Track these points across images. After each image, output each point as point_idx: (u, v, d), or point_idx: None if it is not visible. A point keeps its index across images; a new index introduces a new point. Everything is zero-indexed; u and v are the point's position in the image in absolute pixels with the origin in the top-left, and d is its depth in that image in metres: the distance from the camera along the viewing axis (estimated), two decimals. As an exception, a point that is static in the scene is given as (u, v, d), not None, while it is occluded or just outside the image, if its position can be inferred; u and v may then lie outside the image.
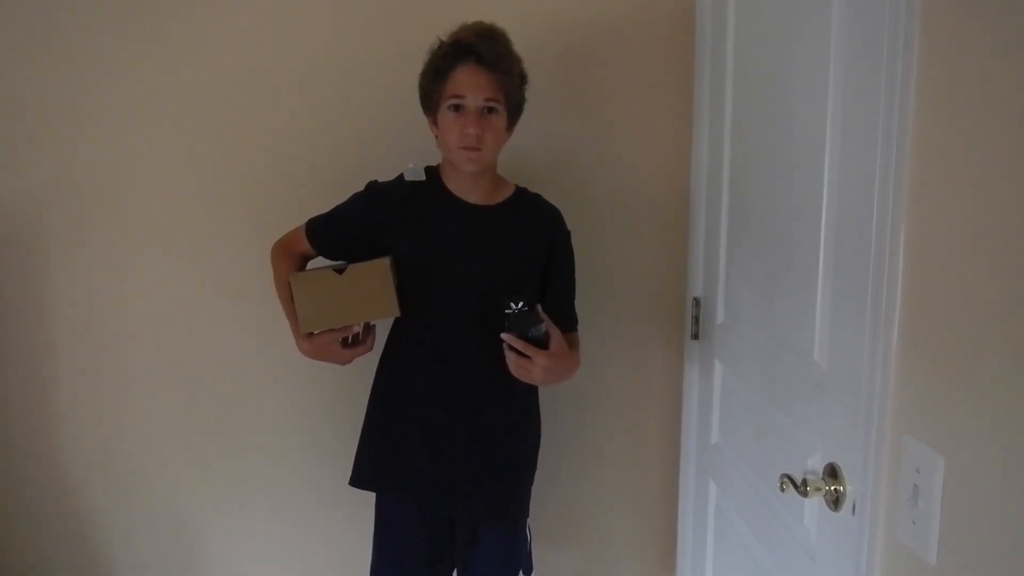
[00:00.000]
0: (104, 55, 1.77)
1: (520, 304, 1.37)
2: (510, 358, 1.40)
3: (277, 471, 1.94)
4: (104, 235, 1.83)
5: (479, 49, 1.39)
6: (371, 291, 1.42)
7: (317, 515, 1.95)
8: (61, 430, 1.90)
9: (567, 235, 1.60)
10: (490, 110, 1.42)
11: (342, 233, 1.54)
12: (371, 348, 1.54)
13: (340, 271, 1.43)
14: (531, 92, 1.53)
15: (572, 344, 1.61)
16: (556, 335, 1.43)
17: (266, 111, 1.80)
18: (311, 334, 1.47)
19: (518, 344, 1.39)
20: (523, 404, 1.59)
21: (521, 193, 1.58)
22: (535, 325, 1.39)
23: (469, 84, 1.40)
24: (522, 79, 1.49)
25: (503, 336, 1.39)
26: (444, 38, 1.44)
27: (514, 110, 1.49)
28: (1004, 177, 0.76)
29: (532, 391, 1.61)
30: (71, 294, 1.85)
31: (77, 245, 1.84)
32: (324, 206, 1.57)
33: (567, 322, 1.62)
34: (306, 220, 1.57)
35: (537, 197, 1.59)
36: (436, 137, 1.50)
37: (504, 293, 1.38)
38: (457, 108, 1.41)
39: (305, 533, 1.97)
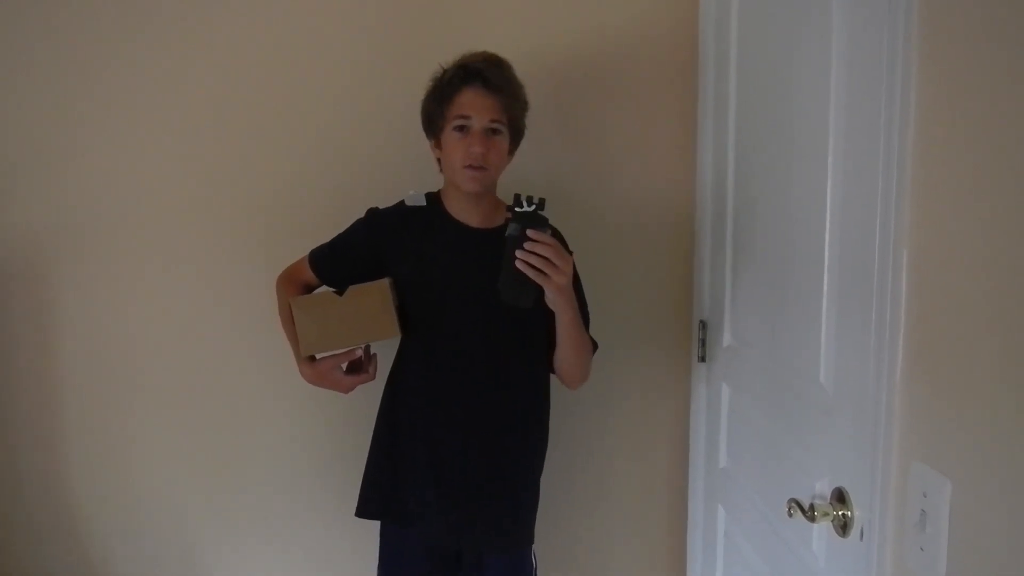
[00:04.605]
0: (107, 81, 1.79)
1: (531, 205, 1.29)
2: (520, 257, 1.29)
3: (283, 501, 1.93)
4: (110, 265, 1.85)
5: (487, 74, 1.43)
6: (371, 312, 1.43)
7: (322, 545, 1.94)
8: (69, 456, 1.90)
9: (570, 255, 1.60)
10: (494, 131, 1.44)
11: (344, 260, 1.55)
12: (373, 377, 1.54)
13: (341, 295, 1.44)
14: (535, 116, 1.55)
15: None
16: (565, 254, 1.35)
17: (273, 135, 1.82)
18: (313, 359, 1.48)
19: (541, 240, 1.28)
20: (529, 427, 1.58)
21: None
22: (543, 228, 1.30)
23: (475, 105, 1.43)
24: (525, 105, 1.51)
25: (507, 234, 1.30)
26: (447, 66, 1.47)
27: (516, 135, 1.51)
28: (1008, 199, 0.76)
29: (542, 414, 1.60)
30: (78, 325, 1.87)
31: (83, 276, 1.85)
32: (331, 228, 1.58)
33: None
34: (309, 250, 1.59)
35: None
36: (438, 160, 1.52)
37: (519, 192, 1.30)
38: (462, 129, 1.43)
39: (310, 563, 1.95)
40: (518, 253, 1.30)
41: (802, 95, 1.23)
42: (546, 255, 1.30)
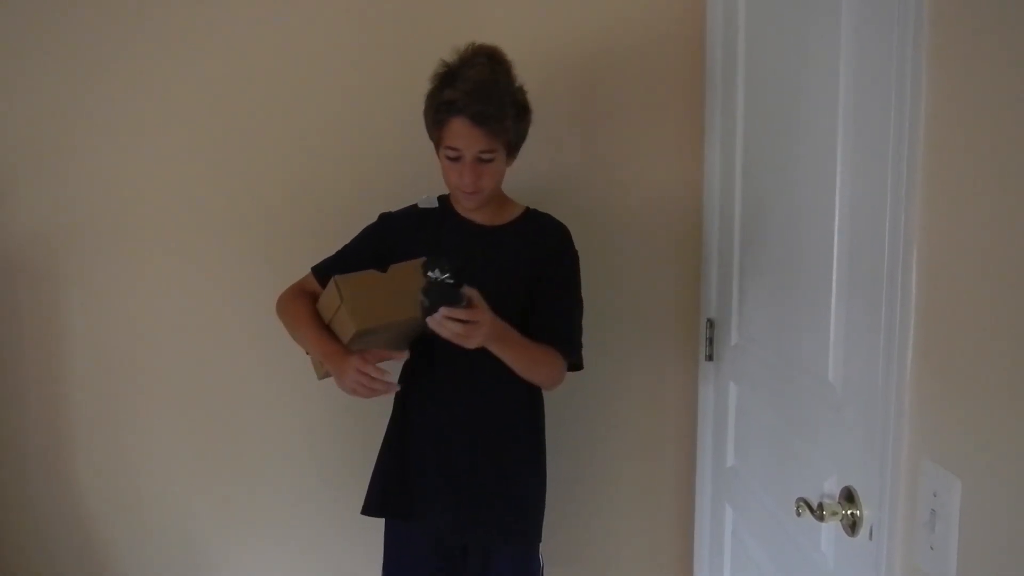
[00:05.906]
0: (111, 80, 1.80)
1: (444, 274, 1.22)
2: (432, 327, 1.27)
3: (290, 500, 1.93)
4: (116, 261, 1.86)
5: (469, 112, 1.37)
6: (415, 289, 1.41)
7: (329, 544, 1.94)
8: (75, 455, 1.91)
9: (573, 254, 1.57)
10: (486, 160, 1.43)
11: (355, 264, 1.53)
12: (397, 386, 1.47)
13: (383, 272, 1.42)
14: (542, 114, 1.54)
15: (545, 352, 1.51)
16: (485, 309, 1.31)
17: (277, 134, 1.83)
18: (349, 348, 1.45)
19: (452, 317, 1.25)
20: (525, 423, 1.58)
21: (530, 213, 1.59)
22: (453, 303, 1.25)
23: (463, 138, 1.40)
24: (521, 115, 1.46)
25: (419, 300, 1.26)
26: (449, 61, 1.43)
27: (513, 147, 1.49)
28: (1018, 196, 0.76)
29: (533, 411, 1.60)
30: (85, 321, 1.88)
31: (89, 274, 1.86)
32: (336, 227, 1.59)
33: (555, 344, 1.51)
34: (310, 267, 1.57)
35: (547, 216, 1.60)
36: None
37: (437, 255, 1.25)
38: (453, 157, 1.42)
39: (317, 562, 1.96)
40: (429, 321, 1.26)
41: (811, 92, 1.22)
42: (456, 331, 1.26)
